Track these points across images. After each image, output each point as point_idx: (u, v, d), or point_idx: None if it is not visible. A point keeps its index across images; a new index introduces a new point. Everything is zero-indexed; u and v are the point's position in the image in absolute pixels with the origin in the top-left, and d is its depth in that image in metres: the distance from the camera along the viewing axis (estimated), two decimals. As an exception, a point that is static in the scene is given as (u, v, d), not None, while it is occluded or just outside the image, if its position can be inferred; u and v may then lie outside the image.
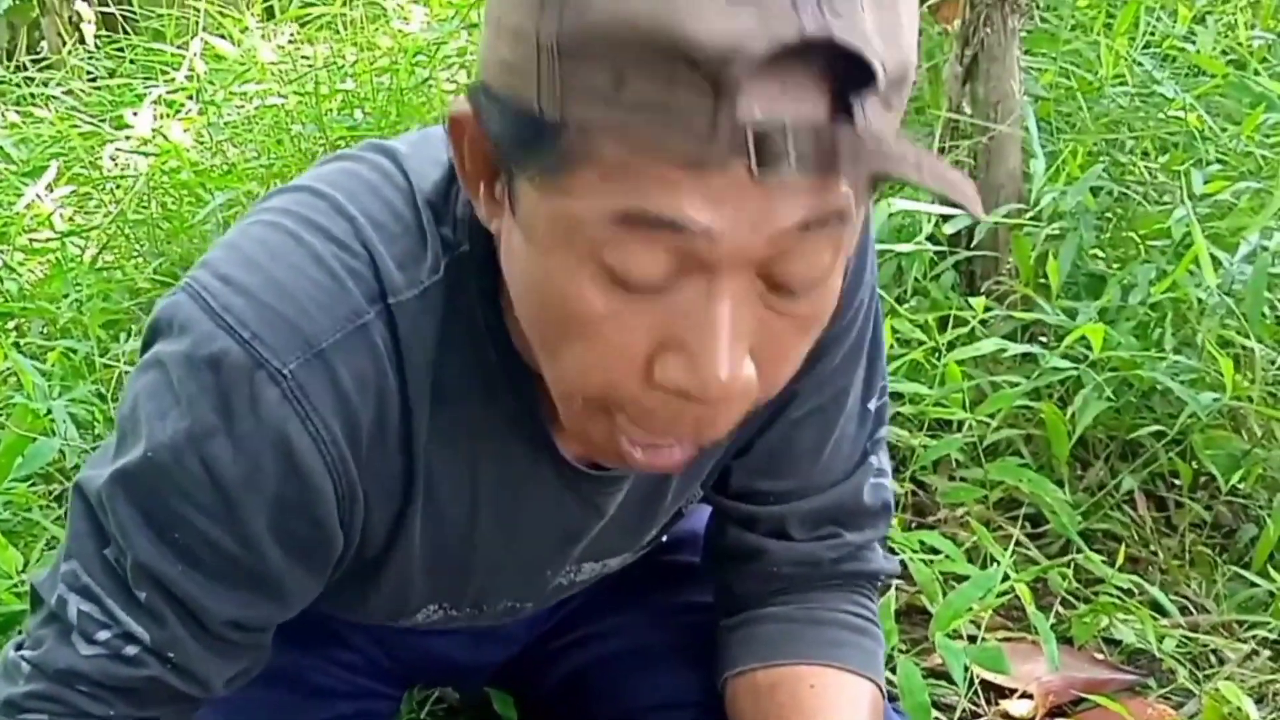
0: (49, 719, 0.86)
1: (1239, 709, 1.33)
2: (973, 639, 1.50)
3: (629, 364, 0.70)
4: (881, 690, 1.07)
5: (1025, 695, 1.48)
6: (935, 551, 1.53)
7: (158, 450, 0.80)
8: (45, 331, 2.18)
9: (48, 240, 2.57)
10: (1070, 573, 1.62)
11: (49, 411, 1.64)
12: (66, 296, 2.21)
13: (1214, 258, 1.82)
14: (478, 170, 0.74)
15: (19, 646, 0.90)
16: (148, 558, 0.83)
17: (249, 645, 0.90)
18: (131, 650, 0.85)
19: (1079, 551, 1.66)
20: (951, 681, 1.40)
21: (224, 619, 0.86)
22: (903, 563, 1.50)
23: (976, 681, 1.45)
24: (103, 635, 0.85)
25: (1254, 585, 1.69)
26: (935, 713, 1.36)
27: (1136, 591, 1.63)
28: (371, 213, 0.82)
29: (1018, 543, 1.62)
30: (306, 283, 0.79)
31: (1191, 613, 1.67)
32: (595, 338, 0.70)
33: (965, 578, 1.48)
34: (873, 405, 1.07)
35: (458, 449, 0.87)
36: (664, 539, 1.18)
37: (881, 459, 1.10)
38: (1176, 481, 1.87)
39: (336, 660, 1.18)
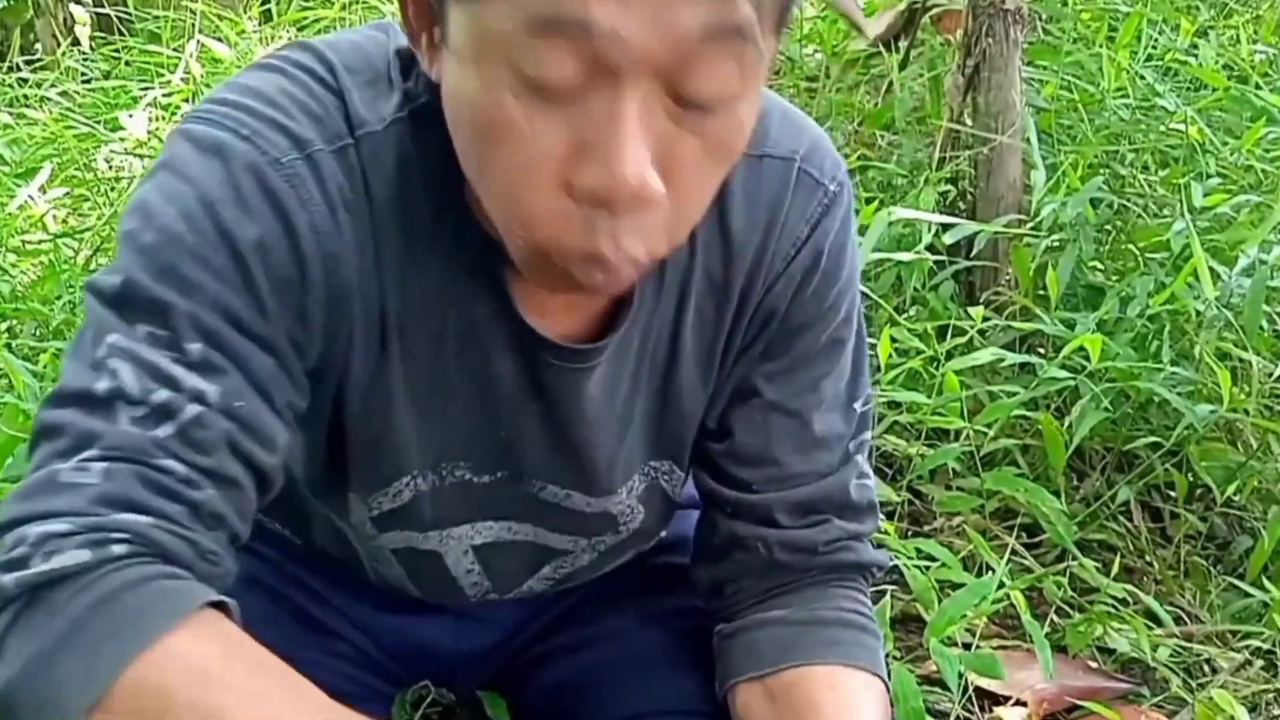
0: (152, 520, 0.78)
1: (1232, 717, 1.33)
2: (967, 646, 1.49)
3: (547, 174, 0.75)
4: (888, 688, 1.07)
5: (1019, 703, 1.47)
6: (931, 560, 1.53)
7: (172, 220, 0.82)
8: (38, 333, 2.18)
9: (40, 242, 2.56)
10: (1065, 581, 1.62)
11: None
12: (59, 298, 2.21)
13: (1212, 271, 1.83)
14: (420, 21, 0.81)
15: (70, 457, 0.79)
16: (187, 311, 0.81)
17: (287, 416, 0.87)
18: (196, 410, 0.81)
19: (1074, 560, 1.65)
20: (946, 688, 1.39)
21: (268, 369, 0.84)
22: (898, 570, 1.50)
23: (970, 689, 1.45)
24: (162, 396, 0.80)
25: (1248, 596, 1.69)
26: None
27: (1131, 601, 1.62)
28: (349, 62, 0.89)
29: (1013, 552, 1.62)
30: (294, 104, 0.86)
31: (1186, 623, 1.67)
32: (516, 147, 0.74)
33: (961, 586, 1.48)
34: (858, 406, 1.08)
35: (427, 294, 0.91)
36: (663, 535, 1.18)
37: (865, 463, 1.11)
38: (1172, 493, 1.87)
39: (328, 651, 1.18)
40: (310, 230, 0.85)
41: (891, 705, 1.22)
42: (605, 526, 1.09)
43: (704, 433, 1.07)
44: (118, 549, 0.76)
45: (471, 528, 1.06)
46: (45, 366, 1.86)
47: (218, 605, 0.79)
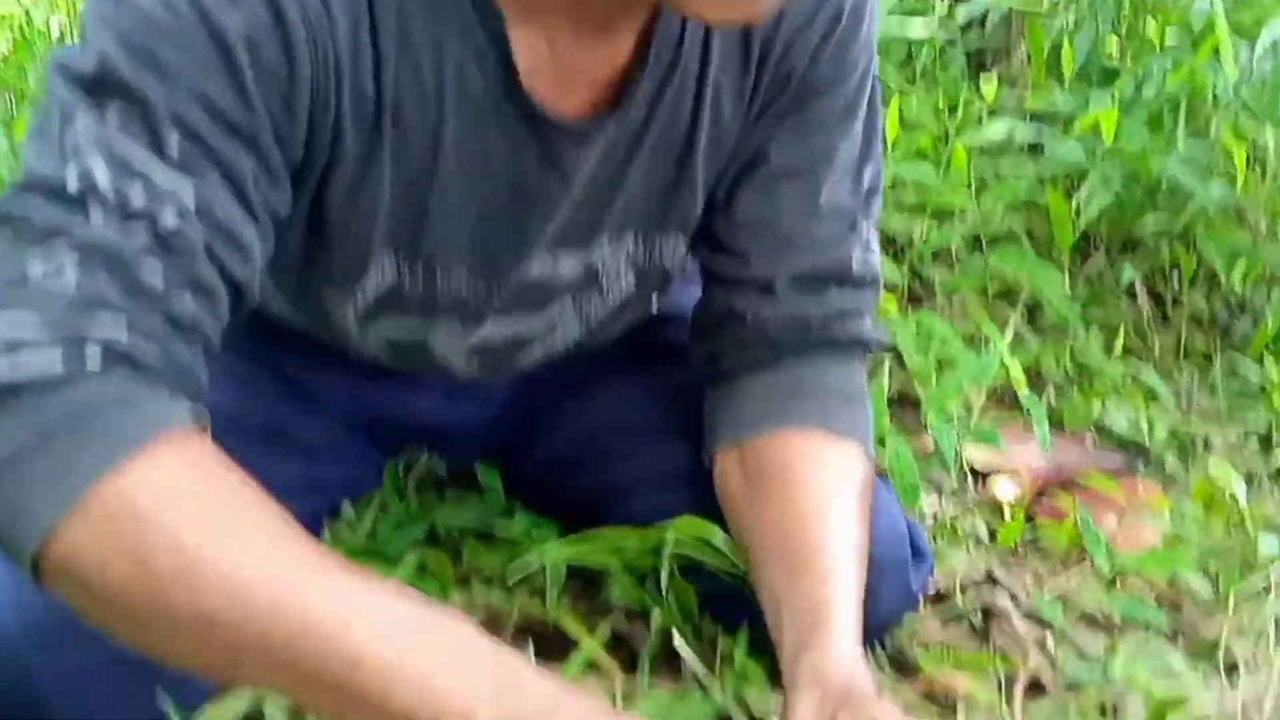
0: (129, 327, 0.73)
1: (1227, 491, 1.33)
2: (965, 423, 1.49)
3: None
4: (870, 456, 1.06)
5: (1014, 479, 1.48)
6: (930, 338, 1.52)
7: (149, 5, 0.75)
8: (11, 103, 2.13)
9: (11, 15, 2.48)
10: (1066, 356, 1.61)
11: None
12: (31, 69, 2.17)
13: (1234, 50, 1.77)
14: None
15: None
16: (166, 100, 0.75)
17: (263, 220, 0.82)
18: (172, 214, 0.75)
19: (1075, 340, 1.64)
20: (942, 465, 1.40)
21: (247, 169, 0.79)
22: (896, 349, 1.49)
23: (966, 467, 1.45)
24: (139, 200, 0.74)
25: (1247, 380, 1.68)
26: (924, 495, 1.36)
27: (1130, 382, 1.62)
28: None
29: (1014, 330, 1.60)
30: None
31: (1184, 403, 1.67)
32: None
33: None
34: (866, 176, 1.05)
35: (424, 79, 0.86)
36: (653, 308, 1.16)
37: (871, 235, 1.08)
38: (1176, 278, 1.85)
39: (314, 415, 1.17)
40: (301, 20, 0.78)
41: (885, 478, 1.22)
42: (589, 287, 1.06)
43: (711, 205, 1.04)
44: (92, 360, 0.71)
45: (462, 328, 1.04)
46: (20, 140, 1.83)
47: (197, 425, 0.75)
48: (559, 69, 0.90)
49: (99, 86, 0.75)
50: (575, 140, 0.93)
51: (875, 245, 1.08)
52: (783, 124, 1.00)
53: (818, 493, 0.99)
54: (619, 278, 1.07)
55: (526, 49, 0.87)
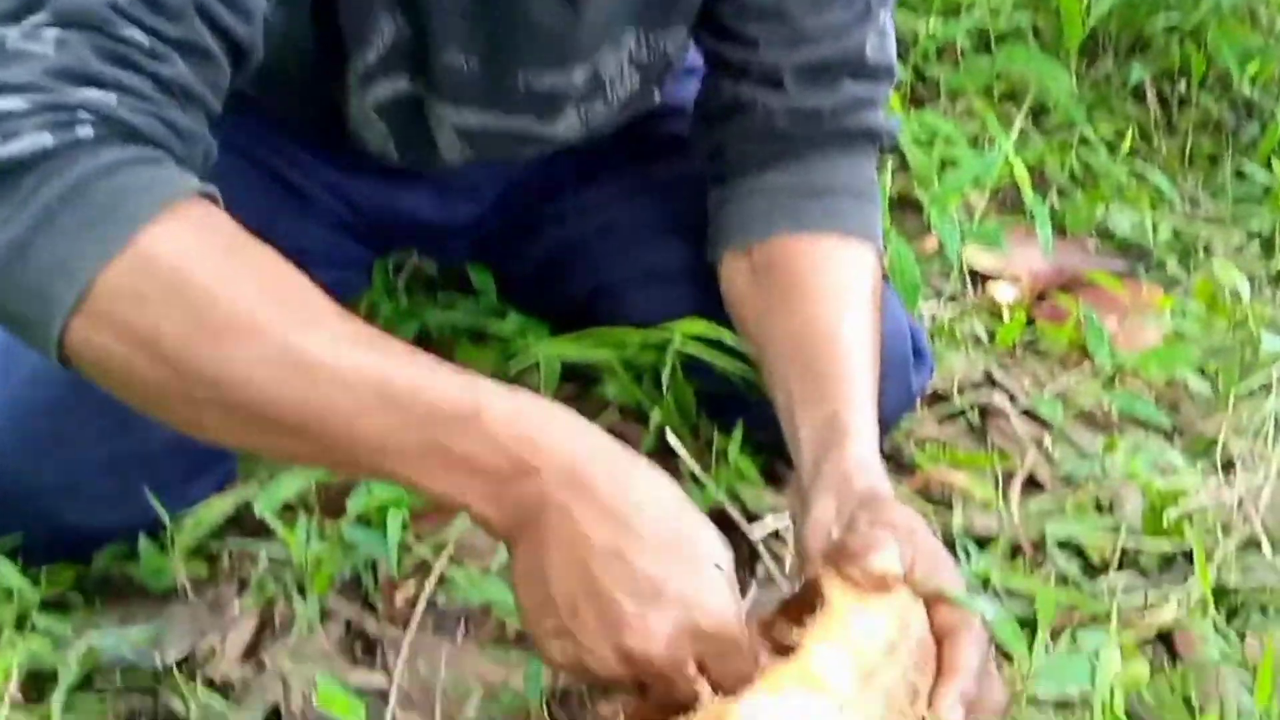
0: (120, 96, 0.69)
1: (1229, 290, 1.31)
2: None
3: None
4: (881, 255, 1.04)
5: (1014, 282, 1.46)
6: (933, 140, 1.47)
7: None
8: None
9: None
10: (1070, 157, 1.57)
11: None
12: None
13: None
14: None
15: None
16: None
17: None
18: None
19: (1082, 143, 1.60)
20: (945, 265, 1.37)
21: None
22: (899, 149, 1.44)
23: (966, 270, 1.42)
24: None
25: (1252, 182, 1.65)
26: (922, 298, 1.34)
27: (1135, 184, 1.58)
28: None
29: (1020, 132, 1.55)
30: None
31: (1187, 207, 1.64)
32: None
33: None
34: None
35: None
36: (655, 100, 1.12)
37: (887, 20, 1.03)
38: (1183, 82, 1.80)
39: (304, 213, 1.13)
40: None
41: (886, 279, 1.20)
42: (595, 94, 1.03)
43: None
44: (83, 130, 0.67)
45: (457, 112, 1.00)
46: None
47: (203, 193, 0.72)
48: None
49: None
50: None
51: (891, 31, 1.04)
52: None
53: (833, 300, 0.97)
54: (624, 81, 1.03)
55: None
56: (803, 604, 0.76)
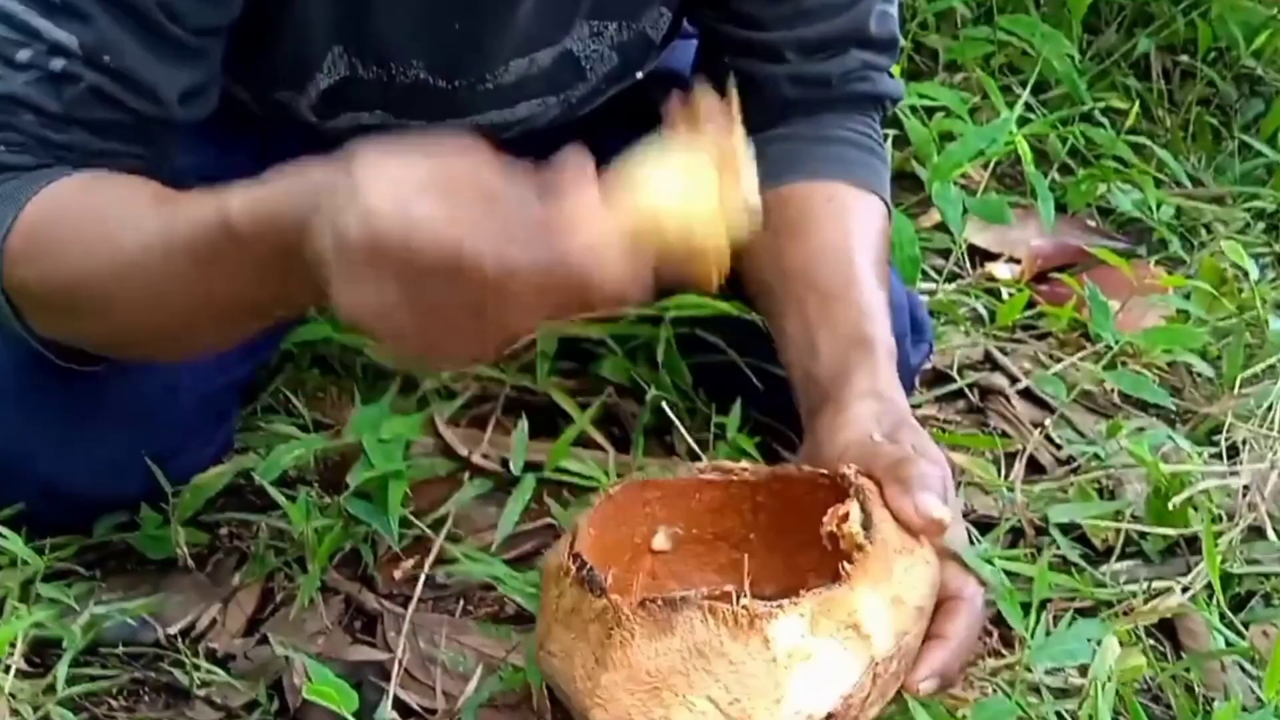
0: (6, 149, 0.80)
1: (1235, 271, 1.30)
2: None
3: None
4: (890, 209, 1.03)
5: (1013, 260, 1.45)
6: (932, 113, 1.46)
7: None
8: None
9: None
10: (1074, 133, 1.55)
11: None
12: None
13: None
14: None
15: None
16: None
17: (192, 46, 0.82)
18: (59, 64, 0.79)
19: (1084, 119, 1.58)
20: (947, 237, 1.36)
21: (150, 1, 0.79)
22: (898, 121, 1.42)
23: (965, 246, 1.41)
24: (24, 55, 0.79)
25: (1255, 159, 1.64)
26: (922, 271, 1.33)
27: (1136, 163, 1.57)
28: None
29: (1022, 106, 1.54)
30: None
31: (1189, 186, 1.63)
32: None
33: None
34: None
35: None
36: (639, 75, 1.10)
37: None
38: (1186, 57, 1.79)
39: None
40: None
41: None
42: (572, 75, 1.01)
43: None
44: None
45: (429, 122, 0.99)
46: None
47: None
48: None
49: None
50: None
51: (894, 4, 1.04)
52: None
53: (849, 237, 0.97)
54: (601, 61, 1.02)
55: None
56: (821, 487, 0.74)
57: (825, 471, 0.78)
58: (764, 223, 0.98)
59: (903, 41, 1.59)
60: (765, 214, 0.98)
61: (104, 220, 0.79)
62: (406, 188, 0.61)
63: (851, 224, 0.97)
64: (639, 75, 1.10)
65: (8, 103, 0.79)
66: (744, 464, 0.84)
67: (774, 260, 0.97)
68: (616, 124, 1.13)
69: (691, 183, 0.66)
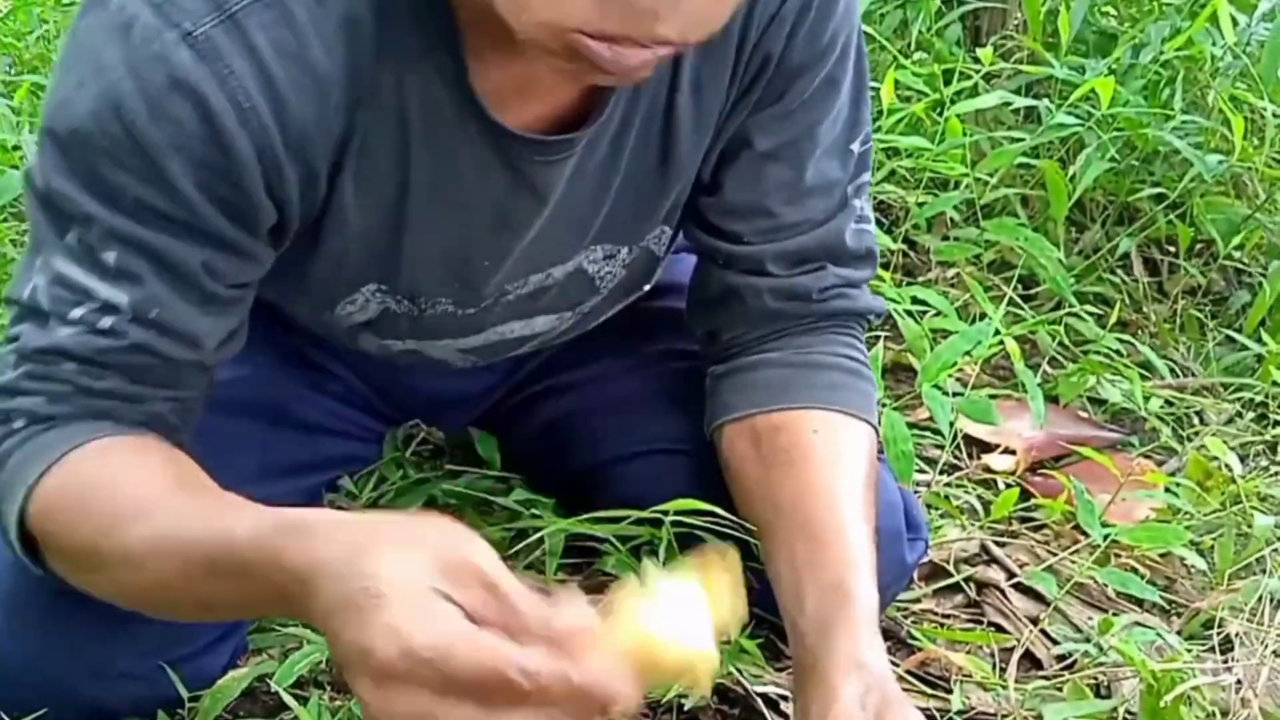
0: (46, 400, 0.85)
1: (1224, 465, 1.33)
2: (959, 395, 1.49)
3: None
4: (877, 433, 1.07)
5: (1008, 451, 1.48)
6: (925, 309, 1.51)
7: (82, 120, 0.80)
8: (12, 68, 2.13)
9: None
10: (1060, 331, 1.60)
11: (17, 146, 1.62)
12: (31, 32, 2.18)
13: (1232, 17, 1.75)
14: None
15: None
16: (105, 219, 0.82)
17: (230, 299, 0.88)
18: (108, 321, 0.84)
19: (1070, 314, 1.64)
20: (936, 433, 1.40)
21: (196, 263, 0.84)
22: (891, 318, 1.48)
23: (960, 437, 1.45)
24: (77, 312, 0.84)
25: (1242, 350, 1.69)
26: (917, 465, 1.36)
27: (1125, 354, 1.62)
28: None
29: (1009, 302, 1.60)
30: None
31: (1179, 376, 1.67)
32: None
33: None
34: (855, 148, 1.05)
35: (389, 111, 0.87)
36: (646, 288, 1.16)
37: (864, 206, 1.08)
38: (1172, 249, 1.85)
39: (316, 387, 1.17)
40: (231, 106, 0.79)
41: (880, 450, 1.22)
42: (585, 292, 1.07)
43: (696, 187, 1.04)
44: (18, 422, 0.85)
45: (455, 341, 1.06)
46: (20, 101, 1.81)
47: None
48: (522, 86, 0.88)
49: (51, 207, 0.83)
50: (545, 157, 0.91)
51: (869, 215, 1.08)
52: (764, 108, 1.00)
53: (836, 473, 1.00)
54: (611, 277, 1.07)
55: (487, 67, 0.86)
56: None
57: None
58: (756, 449, 1.04)
59: (894, 244, 1.68)
60: (757, 441, 1.05)
61: (116, 501, 0.82)
62: (423, 594, 0.62)
63: (839, 457, 1.01)
64: (646, 287, 1.16)
65: (52, 354, 0.84)
66: None
67: (766, 493, 1.02)
68: (624, 331, 1.20)
69: (686, 613, 0.69)
